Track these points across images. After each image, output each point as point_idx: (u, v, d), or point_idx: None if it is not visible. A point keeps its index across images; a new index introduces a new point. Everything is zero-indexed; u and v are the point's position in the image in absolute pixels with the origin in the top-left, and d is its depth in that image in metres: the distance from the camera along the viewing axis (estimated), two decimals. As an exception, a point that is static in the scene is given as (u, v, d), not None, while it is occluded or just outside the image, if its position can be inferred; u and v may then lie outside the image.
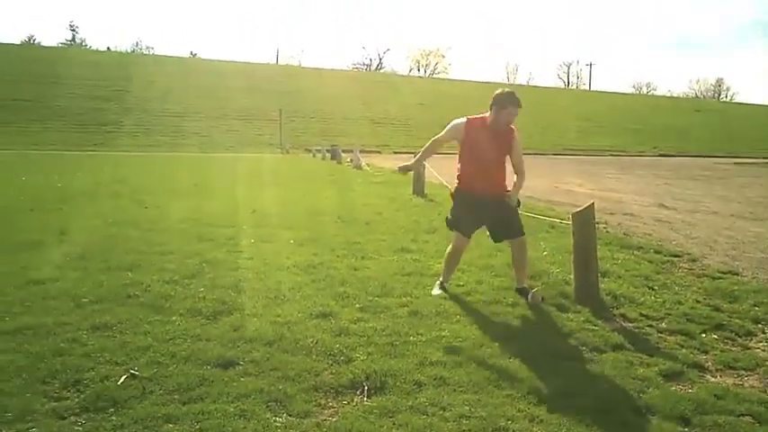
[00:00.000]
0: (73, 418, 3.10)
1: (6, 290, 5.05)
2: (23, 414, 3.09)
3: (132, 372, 3.56)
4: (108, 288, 5.15)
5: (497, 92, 5.25)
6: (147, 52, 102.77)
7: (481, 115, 5.31)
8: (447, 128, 5.45)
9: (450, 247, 5.49)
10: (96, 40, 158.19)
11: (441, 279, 5.50)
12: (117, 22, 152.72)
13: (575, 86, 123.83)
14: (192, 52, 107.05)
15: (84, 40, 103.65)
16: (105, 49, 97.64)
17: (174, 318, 4.51)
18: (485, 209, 5.24)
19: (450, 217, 5.52)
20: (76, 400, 3.28)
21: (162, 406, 3.22)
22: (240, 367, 3.72)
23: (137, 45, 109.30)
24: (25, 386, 3.38)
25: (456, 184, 5.49)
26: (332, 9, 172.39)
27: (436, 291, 5.34)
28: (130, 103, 55.22)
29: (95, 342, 4.00)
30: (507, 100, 5.15)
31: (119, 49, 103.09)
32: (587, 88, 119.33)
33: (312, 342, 4.12)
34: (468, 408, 3.29)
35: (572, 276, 5.52)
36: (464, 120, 5.36)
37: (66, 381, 3.46)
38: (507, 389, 3.53)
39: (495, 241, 5.75)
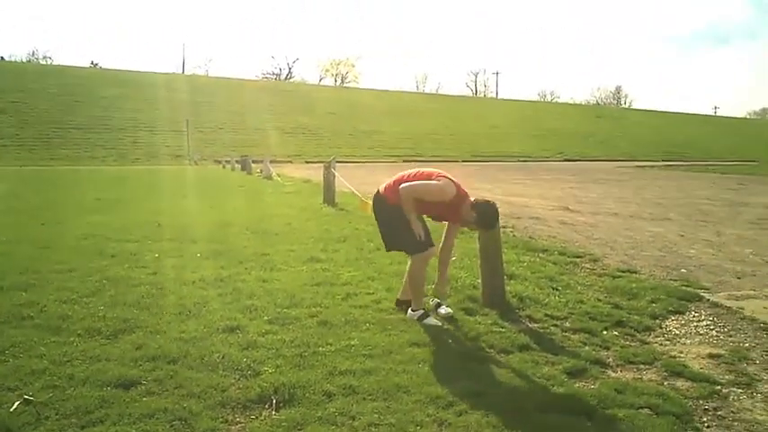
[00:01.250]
0: (-42, 451, 2.91)
1: None
2: None
3: (26, 397, 3.36)
4: (0, 309, 4.86)
5: (489, 212, 4.98)
6: (45, 62, 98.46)
7: (463, 192, 5.01)
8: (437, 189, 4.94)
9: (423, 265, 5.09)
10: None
11: (414, 307, 5.03)
12: (10, 30, 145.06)
13: (482, 95, 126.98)
14: (92, 62, 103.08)
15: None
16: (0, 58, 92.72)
17: (71, 338, 4.31)
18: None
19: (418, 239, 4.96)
20: (-37, 430, 3.08)
21: (58, 431, 3.06)
22: (143, 387, 3.59)
23: (33, 54, 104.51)
24: None
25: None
26: (241, 18, 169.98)
27: (432, 321, 4.91)
28: (28, 114, 52.69)
29: (-17, 368, 3.77)
30: (490, 223, 5.09)
31: (13, 58, 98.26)
32: (495, 96, 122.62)
33: (218, 357, 4.02)
34: (377, 416, 3.29)
35: (480, 281, 5.62)
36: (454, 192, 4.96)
37: (-47, 410, 3.24)
38: (416, 394, 3.55)
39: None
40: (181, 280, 5.99)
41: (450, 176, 5.03)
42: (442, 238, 5.27)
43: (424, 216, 5.14)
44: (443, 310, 5.11)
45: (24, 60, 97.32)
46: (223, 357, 4.02)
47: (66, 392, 3.47)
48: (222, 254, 7.29)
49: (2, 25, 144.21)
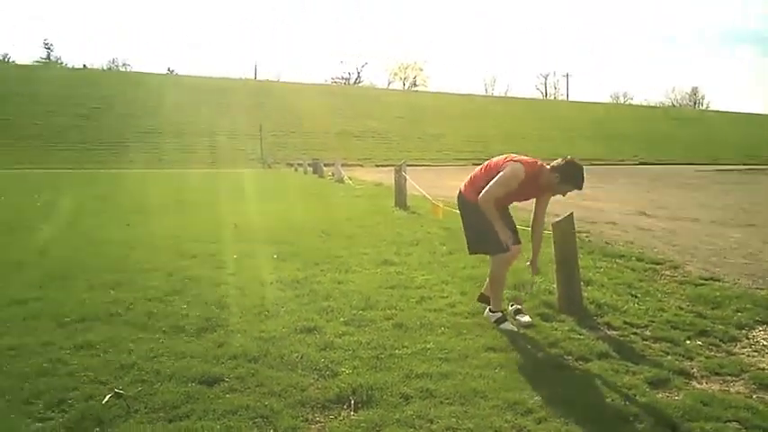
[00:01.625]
0: (57, 438, 3.07)
1: (-13, 310, 5.00)
2: (7, 436, 3.05)
3: (117, 391, 3.52)
4: (91, 307, 5.10)
5: (571, 168, 4.80)
6: (124, 69, 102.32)
7: (533, 163, 4.90)
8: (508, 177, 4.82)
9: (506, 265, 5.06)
10: (72, 57, 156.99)
11: (493, 308, 4.99)
12: (92, 40, 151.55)
13: (552, 97, 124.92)
14: (169, 69, 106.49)
15: (60, 58, 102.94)
16: (81, 66, 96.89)
17: (157, 335, 4.49)
18: None
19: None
20: (61, 420, 3.24)
21: (147, 424, 3.19)
22: (225, 384, 3.70)
23: (113, 62, 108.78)
24: (9, 407, 3.34)
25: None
26: (310, 24, 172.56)
27: (508, 326, 4.84)
28: (109, 120, 54.90)
29: (79, 361, 3.96)
30: (577, 177, 4.82)
31: (95, 66, 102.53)
32: (565, 99, 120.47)
33: (297, 357, 4.11)
34: (455, 420, 3.30)
35: (555, 286, 5.55)
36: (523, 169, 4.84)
37: (51, 401, 3.42)
38: (494, 400, 3.54)
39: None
40: (259, 280, 6.14)
41: (516, 157, 4.96)
42: (532, 215, 5.17)
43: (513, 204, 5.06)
44: (523, 318, 5.02)
45: (104, 68, 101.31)
46: (301, 357, 4.10)
47: (153, 387, 3.62)
48: (297, 256, 7.42)
49: (83, 36, 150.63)
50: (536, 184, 4.88)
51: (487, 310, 5.01)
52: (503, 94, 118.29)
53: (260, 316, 4.98)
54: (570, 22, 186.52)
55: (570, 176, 4.80)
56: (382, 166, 38.66)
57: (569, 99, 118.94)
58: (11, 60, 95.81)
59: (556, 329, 4.85)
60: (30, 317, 4.84)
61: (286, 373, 3.88)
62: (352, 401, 3.52)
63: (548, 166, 4.86)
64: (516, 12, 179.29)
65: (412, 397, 3.56)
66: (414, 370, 3.92)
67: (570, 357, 4.31)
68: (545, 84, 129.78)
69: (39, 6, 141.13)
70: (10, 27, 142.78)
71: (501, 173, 4.84)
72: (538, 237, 5.20)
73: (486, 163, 5.09)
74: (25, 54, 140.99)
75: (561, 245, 5.38)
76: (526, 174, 4.81)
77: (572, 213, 5.44)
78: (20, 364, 3.92)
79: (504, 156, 5.02)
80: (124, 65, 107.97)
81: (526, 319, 5.01)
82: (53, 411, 3.33)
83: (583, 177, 4.83)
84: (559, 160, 4.85)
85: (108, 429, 3.15)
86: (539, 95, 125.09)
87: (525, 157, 4.95)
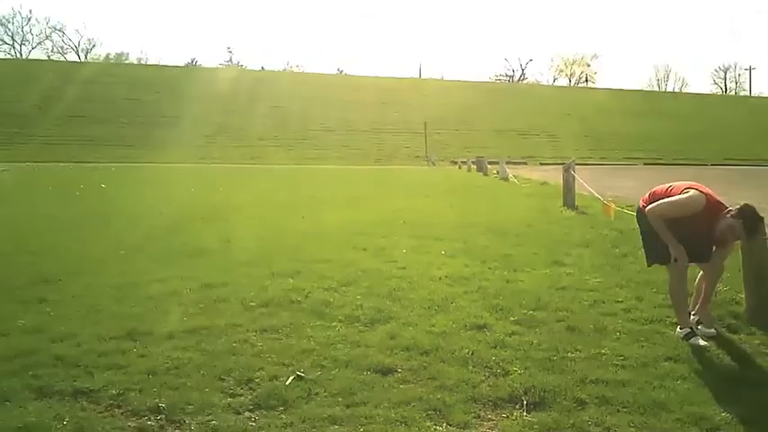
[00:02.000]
0: (247, 414, 3.31)
1: (183, 292, 5.49)
2: (203, 407, 3.33)
3: (299, 373, 3.74)
4: (273, 293, 5.45)
5: (752, 213, 4.46)
6: (297, 70, 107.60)
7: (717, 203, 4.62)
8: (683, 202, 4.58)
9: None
10: (250, 61, 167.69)
11: (681, 324, 4.64)
12: (268, 45, 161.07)
13: (733, 92, 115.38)
14: (338, 69, 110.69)
15: (240, 62, 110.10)
16: (260, 68, 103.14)
17: (334, 323, 4.70)
18: None
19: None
20: (249, 396, 3.49)
21: (327, 408, 3.36)
22: (398, 374, 3.81)
23: (287, 64, 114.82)
24: (203, 382, 3.64)
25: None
26: (474, 21, 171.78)
27: (698, 341, 4.45)
28: (285, 118, 57.96)
29: (263, 343, 4.25)
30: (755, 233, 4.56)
31: (271, 68, 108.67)
32: (748, 94, 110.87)
33: (468, 353, 4.13)
34: (634, 430, 3.17)
35: (742, 296, 5.15)
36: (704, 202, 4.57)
37: (240, 378, 3.70)
38: (677, 413, 3.35)
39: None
40: (428, 275, 6.24)
41: (704, 188, 4.66)
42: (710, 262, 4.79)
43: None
44: (707, 330, 4.68)
45: (280, 70, 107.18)
46: (472, 354, 4.12)
47: (331, 373, 3.80)
48: (465, 252, 7.45)
49: (260, 41, 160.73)
50: (708, 224, 4.54)
51: (677, 328, 4.70)
52: (676, 90, 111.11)
53: (430, 310, 5.06)
54: (753, 8, 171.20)
55: (752, 228, 4.47)
56: (547, 164, 37.71)
57: (752, 95, 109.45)
58: (197, 64, 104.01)
59: (744, 342, 4.53)
60: (219, 300, 5.26)
61: (457, 368, 3.91)
62: (525, 402, 3.48)
63: (730, 209, 4.51)
64: (692, 3, 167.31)
65: (587, 402, 3.46)
66: (588, 375, 3.81)
67: (762, 374, 3.98)
68: (724, 78, 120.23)
69: (222, 16, 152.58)
70: (197, 35, 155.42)
71: (680, 195, 4.59)
72: (710, 283, 4.82)
73: (670, 184, 4.82)
74: (210, 58, 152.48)
75: (750, 250, 4.97)
76: (705, 207, 4.52)
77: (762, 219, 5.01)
78: (211, 342, 4.27)
79: (690, 183, 4.74)
80: (297, 66, 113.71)
81: (710, 330, 4.69)
82: (242, 388, 3.60)
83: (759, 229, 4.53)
84: (741, 206, 4.50)
85: (291, 409, 3.35)
86: (717, 91, 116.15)
87: (712, 193, 4.64)
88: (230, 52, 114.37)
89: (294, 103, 62.58)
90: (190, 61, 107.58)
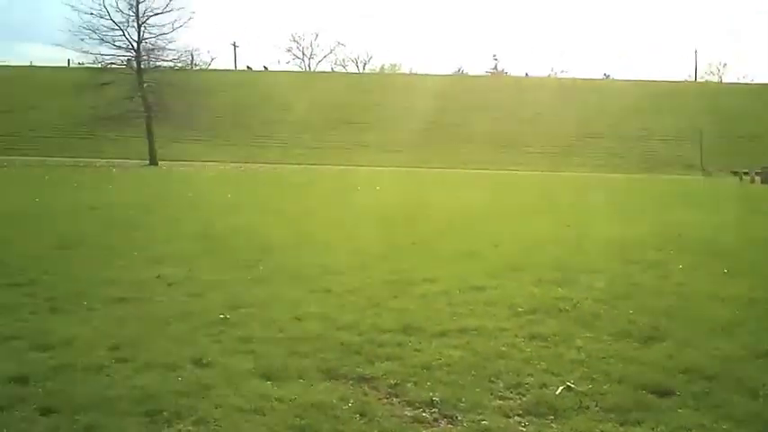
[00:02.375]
0: (517, 419, 3.34)
1: (452, 292, 5.70)
2: (474, 407, 3.43)
3: (569, 384, 3.68)
4: (540, 300, 5.43)
5: None
6: (563, 75, 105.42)
7: None
8: None
9: None
10: (515, 68, 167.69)
11: None
12: (532, 51, 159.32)
13: None
14: (605, 74, 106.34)
15: (504, 69, 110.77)
16: (524, 75, 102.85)
17: (604, 336, 4.55)
18: None
19: None
20: (518, 401, 3.52)
21: (599, 422, 3.27)
22: (677, 397, 3.57)
23: (552, 70, 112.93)
24: (474, 382, 3.74)
25: None
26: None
27: None
28: (547, 126, 57.08)
29: (532, 350, 4.25)
30: None
31: (535, 75, 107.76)
32: None
33: (759, 384, 3.73)
34: None
35: None
36: None
37: (509, 382, 3.74)
38: None
39: None
40: (706, 294, 5.77)
41: None
42: None
43: None
44: None
45: (545, 76, 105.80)
46: (764, 385, 3.71)
47: (603, 387, 3.68)
48: (750, 273, 6.71)
49: (525, 49, 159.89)
50: None
51: None
52: None
53: (712, 332, 4.66)
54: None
55: None
56: None
57: None
58: (464, 72, 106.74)
59: None
60: (488, 302, 5.37)
61: (746, 398, 3.56)
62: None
63: None
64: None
65: None
66: None
67: None
68: None
69: (488, 26, 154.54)
70: (463, 45, 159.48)
71: None
72: None
73: None
74: (476, 67, 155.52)
75: None
76: None
77: None
78: (480, 344, 4.36)
79: None
80: (562, 71, 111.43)
81: None
82: (511, 392, 3.64)
83: None
84: None
85: (561, 419, 3.31)
86: None
87: None
88: (495, 60, 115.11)
89: (560, 110, 61.29)
90: (457, 70, 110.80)
